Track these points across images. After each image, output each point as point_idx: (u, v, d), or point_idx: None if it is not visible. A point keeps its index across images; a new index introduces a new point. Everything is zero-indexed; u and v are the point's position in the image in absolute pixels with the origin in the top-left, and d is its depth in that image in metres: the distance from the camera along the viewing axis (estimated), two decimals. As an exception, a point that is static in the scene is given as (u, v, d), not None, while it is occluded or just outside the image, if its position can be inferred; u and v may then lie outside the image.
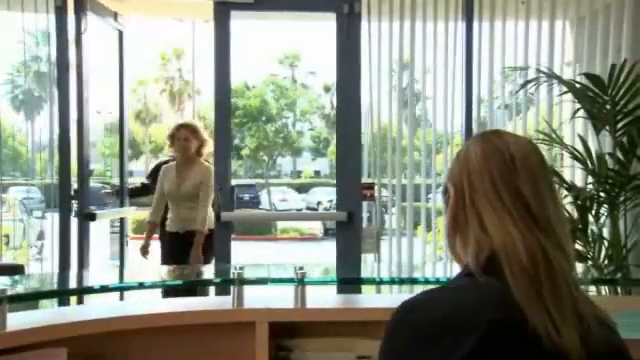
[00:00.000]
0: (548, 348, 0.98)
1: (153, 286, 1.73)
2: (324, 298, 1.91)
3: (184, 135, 4.54)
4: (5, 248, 5.42)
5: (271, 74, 25.04)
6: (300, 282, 1.65)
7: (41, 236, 5.73)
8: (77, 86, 3.99)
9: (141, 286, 1.66)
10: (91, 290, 1.76)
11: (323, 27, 4.16)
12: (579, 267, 3.78)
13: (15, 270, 3.72)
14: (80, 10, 3.97)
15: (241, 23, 4.61)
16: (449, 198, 1.16)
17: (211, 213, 4.35)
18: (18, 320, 1.48)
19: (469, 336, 0.96)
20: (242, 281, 1.64)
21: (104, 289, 1.64)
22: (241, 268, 1.66)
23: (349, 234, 4.15)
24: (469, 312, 0.99)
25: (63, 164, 3.98)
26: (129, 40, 4.78)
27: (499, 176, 1.09)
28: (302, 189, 24.51)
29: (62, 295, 1.92)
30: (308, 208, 21.55)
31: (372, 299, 1.83)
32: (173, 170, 4.61)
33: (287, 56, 25.47)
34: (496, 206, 1.07)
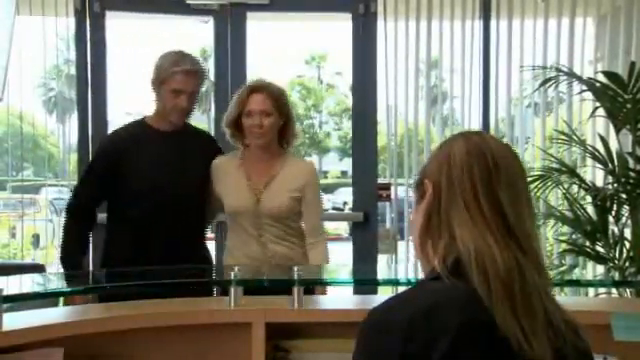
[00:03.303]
0: (519, 353, 0.99)
1: (148, 286, 1.75)
2: (328, 299, 1.92)
3: (261, 105, 2.54)
4: (33, 248, 5.55)
5: (297, 75, 25.09)
6: (297, 283, 1.65)
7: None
8: (91, 88, 4.05)
9: (138, 286, 1.68)
10: (87, 291, 1.79)
11: (348, 27, 4.16)
12: (600, 269, 3.73)
13: (36, 269, 3.80)
14: (94, 12, 4.02)
15: (268, 25, 4.63)
16: (423, 194, 1.14)
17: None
18: (15, 320, 1.51)
19: (441, 338, 0.97)
20: (239, 282, 1.65)
21: (100, 289, 1.66)
22: (239, 269, 1.67)
23: (365, 235, 4.14)
24: (438, 313, 1.00)
25: (82, 165, 4.04)
26: (154, 40, 4.81)
27: (480, 179, 1.07)
28: (328, 189, 24.50)
29: (57, 295, 1.94)
30: (334, 208, 21.54)
31: (373, 300, 1.82)
32: (238, 170, 2.61)
33: (313, 57, 25.51)
34: (473, 212, 1.06)
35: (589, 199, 3.51)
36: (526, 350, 0.98)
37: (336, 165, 27.33)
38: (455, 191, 1.08)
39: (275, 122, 2.54)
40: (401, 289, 1.83)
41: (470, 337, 0.99)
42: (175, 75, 2.55)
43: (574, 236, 3.67)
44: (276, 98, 2.56)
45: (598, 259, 3.51)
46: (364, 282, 1.96)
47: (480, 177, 1.07)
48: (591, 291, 3.53)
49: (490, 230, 1.04)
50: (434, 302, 1.01)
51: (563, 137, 3.67)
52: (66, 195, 4.20)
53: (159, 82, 2.60)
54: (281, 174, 2.57)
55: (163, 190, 2.57)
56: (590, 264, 3.78)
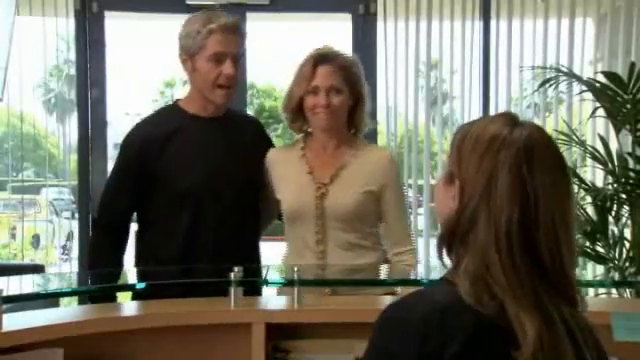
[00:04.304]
0: None
1: (146, 287, 1.75)
2: (328, 299, 1.91)
3: (330, 80, 2.08)
4: (33, 249, 5.55)
5: (298, 75, 25.09)
6: (297, 283, 1.65)
7: (70, 237, 5.85)
8: (91, 88, 4.05)
9: (133, 288, 1.68)
10: (93, 291, 1.79)
11: (348, 27, 4.16)
12: (600, 269, 3.73)
13: (36, 270, 3.81)
14: (93, 12, 4.02)
15: (268, 25, 4.61)
16: (452, 181, 1.08)
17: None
18: (15, 320, 1.51)
19: (455, 338, 0.98)
20: (240, 282, 1.65)
21: (101, 290, 1.67)
22: (238, 269, 1.67)
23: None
24: (454, 313, 1.00)
25: (82, 166, 4.05)
26: (154, 41, 4.80)
27: (517, 221, 1.02)
28: (328, 190, 24.51)
29: (57, 296, 1.95)
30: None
31: (373, 300, 1.82)
32: (298, 161, 2.16)
33: (313, 57, 25.51)
34: (504, 255, 1.02)
35: (589, 199, 3.51)
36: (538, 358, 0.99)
37: (336, 165, 27.36)
38: (488, 216, 1.03)
39: (345, 101, 2.07)
40: (401, 289, 1.85)
41: (483, 338, 0.99)
42: (212, 35, 2.05)
43: (574, 236, 3.67)
44: (348, 71, 2.08)
45: (598, 259, 3.51)
46: (364, 282, 1.96)
47: (518, 220, 1.02)
48: (591, 291, 3.53)
49: (520, 283, 1.01)
50: (449, 302, 1.02)
51: (563, 137, 3.67)
52: (66, 196, 4.14)
53: (192, 53, 2.09)
54: (351, 165, 2.08)
55: (210, 188, 2.13)
56: (590, 264, 3.78)
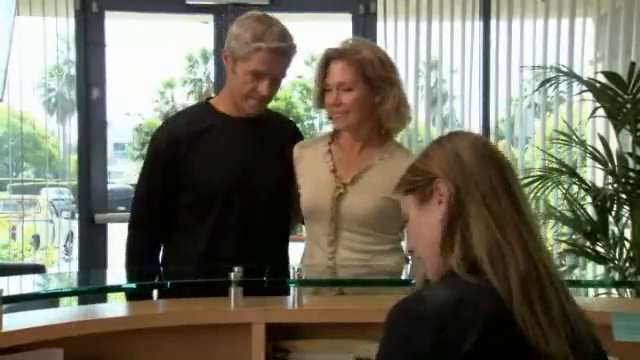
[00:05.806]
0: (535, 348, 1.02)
1: (147, 288, 1.75)
2: (328, 299, 1.92)
3: (338, 77, 1.98)
4: (33, 249, 5.56)
5: (297, 75, 25.13)
6: (297, 283, 1.66)
7: (70, 237, 5.86)
8: (91, 88, 4.06)
9: (136, 288, 1.68)
10: (92, 291, 1.79)
11: (348, 27, 4.16)
12: (600, 269, 3.73)
13: (36, 270, 3.81)
14: (93, 12, 4.02)
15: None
16: (431, 193, 1.15)
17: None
18: (15, 320, 1.51)
19: (470, 330, 0.99)
20: (239, 282, 1.65)
21: (101, 290, 1.67)
22: (238, 269, 1.67)
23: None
24: (466, 306, 1.02)
25: (82, 166, 4.06)
26: (154, 41, 4.81)
27: (497, 180, 1.11)
28: (329, 190, 24.53)
29: (57, 296, 1.95)
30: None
31: (373, 300, 1.82)
32: (323, 157, 2.07)
33: (313, 57, 25.52)
34: (494, 209, 1.09)
35: (589, 199, 3.52)
36: (543, 348, 1.01)
37: (336, 165, 27.37)
38: (474, 190, 1.10)
39: (361, 98, 1.93)
40: (401, 289, 1.84)
41: (497, 329, 1.02)
42: (258, 53, 1.97)
43: (574, 236, 3.67)
44: (361, 65, 1.92)
45: (598, 259, 3.51)
46: (363, 282, 1.96)
47: (496, 178, 1.11)
48: (591, 291, 3.53)
49: (510, 226, 1.07)
50: (461, 296, 1.04)
51: (563, 137, 3.67)
52: (66, 196, 4.14)
53: (235, 57, 2.02)
54: (376, 168, 1.97)
55: (237, 189, 2.07)
56: (590, 264, 3.78)
